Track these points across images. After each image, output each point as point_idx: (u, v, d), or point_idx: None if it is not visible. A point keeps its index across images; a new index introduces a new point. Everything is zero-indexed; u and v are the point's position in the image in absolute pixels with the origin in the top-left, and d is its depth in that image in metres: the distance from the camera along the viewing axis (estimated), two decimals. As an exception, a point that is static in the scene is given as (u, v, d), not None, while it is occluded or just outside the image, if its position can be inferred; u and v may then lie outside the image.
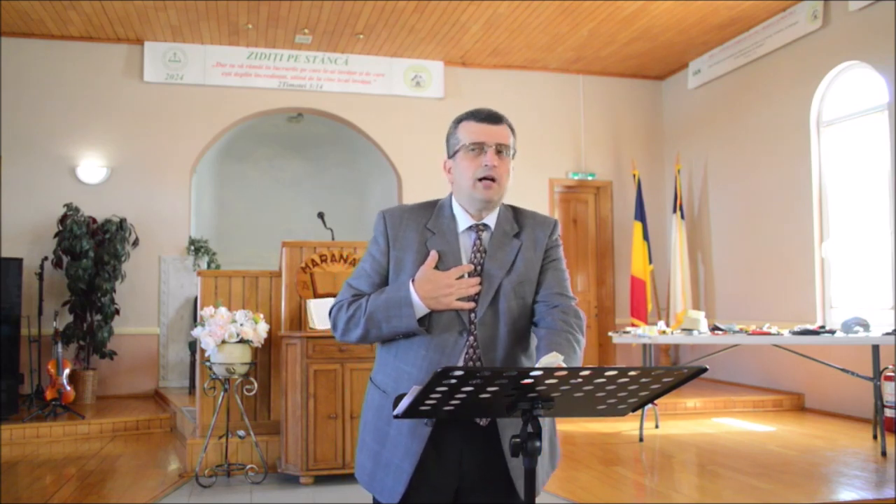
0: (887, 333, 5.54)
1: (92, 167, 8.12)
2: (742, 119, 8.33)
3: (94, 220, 7.81)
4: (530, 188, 9.03)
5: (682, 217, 8.81)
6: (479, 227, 1.91)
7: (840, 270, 7.16)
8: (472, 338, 1.82)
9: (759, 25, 7.91)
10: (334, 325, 1.91)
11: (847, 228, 7.10)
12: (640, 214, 8.84)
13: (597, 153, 9.50)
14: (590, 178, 9.43)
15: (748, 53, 8.13)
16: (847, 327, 5.72)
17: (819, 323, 7.04)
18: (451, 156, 1.93)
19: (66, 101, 8.11)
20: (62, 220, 7.62)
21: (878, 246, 6.71)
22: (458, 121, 1.93)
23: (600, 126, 9.53)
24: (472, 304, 1.82)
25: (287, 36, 8.22)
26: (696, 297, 8.95)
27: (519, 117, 9.04)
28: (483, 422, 1.80)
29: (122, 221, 7.86)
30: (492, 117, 1.91)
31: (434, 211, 1.95)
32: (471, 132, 1.88)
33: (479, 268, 1.86)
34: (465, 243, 1.90)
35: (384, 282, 1.91)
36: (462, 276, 1.82)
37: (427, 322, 1.82)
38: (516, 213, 1.99)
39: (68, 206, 7.66)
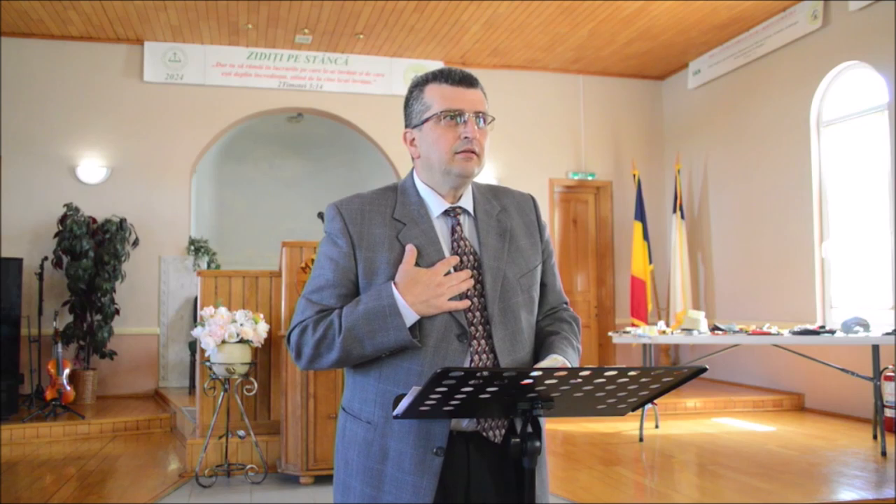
0: (887, 333, 5.54)
1: (92, 167, 8.12)
2: (742, 119, 8.32)
3: (94, 220, 7.81)
4: (530, 188, 8.94)
5: (682, 217, 8.81)
6: (456, 211, 1.66)
7: (840, 270, 7.16)
8: (476, 343, 1.58)
9: (759, 25, 7.91)
10: (298, 352, 1.60)
11: (847, 228, 7.09)
12: (640, 214, 8.84)
13: (597, 153, 9.50)
14: (590, 178, 9.43)
15: (748, 53, 8.13)
16: (847, 327, 5.72)
17: (819, 323, 7.04)
18: (417, 125, 1.64)
19: (66, 101, 8.11)
20: (62, 220, 7.62)
21: (878, 246, 6.71)
22: (424, 82, 1.64)
23: (600, 126, 9.52)
24: (467, 303, 1.57)
25: (287, 36, 8.22)
26: (696, 297, 8.95)
27: (519, 117, 9.15)
28: (497, 438, 1.59)
29: (122, 221, 7.86)
30: (468, 79, 1.63)
31: (397, 196, 1.66)
32: (445, 97, 1.60)
33: (465, 258, 1.62)
34: (443, 231, 1.64)
35: (354, 292, 1.60)
36: (448, 272, 1.57)
37: (417, 331, 1.55)
38: (490, 190, 1.75)
39: (68, 206, 7.65)
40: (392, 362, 1.57)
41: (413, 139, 1.66)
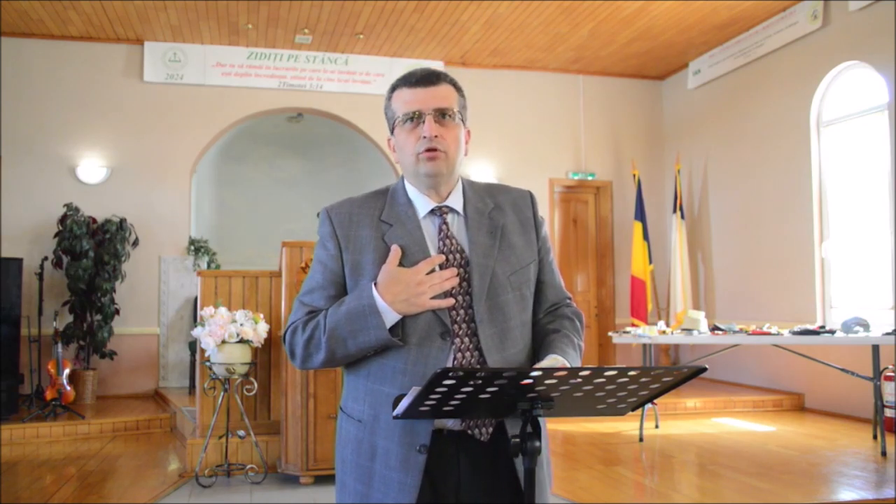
0: (887, 333, 5.54)
1: (92, 167, 8.12)
2: (742, 119, 8.32)
3: (94, 220, 7.81)
4: (530, 188, 8.93)
5: (682, 217, 8.81)
6: (442, 210, 1.67)
7: (840, 270, 7.16)
8: (459, 340, 1.57)
9: (759, 25, 7.91)
10: (291, 353, 1.65)
11: (847, 228, 7.09)
12: (640, 214, 8.84)
13: (597, 153, 9.50)
14: (590, 178, 9.43)
15: (748, 53, 8.13)
16: (847, 327, 5.72)
17: (819, 323, 7.04)
18: (391, 132, 1.71)
19: (66, 101, 8.11)
20: (62, 220, 7.62)
21: (878, 246, 6.71)
22: (391, 90, 1.70)
23: (600, 126, 9.52)
24: (450, 301, 1.57)
25: (287, 36, 8.22)
26: (696, 297, 8.95)
27: (519, 117, 9.16)
28: (484, 437, 1.59)
29: (122, 221, 7.86)
30: (426, 78, 1.65)
31: (386, 199, 1.69)
32: (404, 101, 1.65)
33: (452, 257, 1.62)
34: (430, 231, 1.65)
35: (342, 292, 1.64)
36: (433, 270, 1.57)
37: (400, 330, 1.56)
38: (486, 189, 1.76)
39: (68, 206, 7.65)
40: (378, 361, 1.59)
41: (394, 145, 1.71)
